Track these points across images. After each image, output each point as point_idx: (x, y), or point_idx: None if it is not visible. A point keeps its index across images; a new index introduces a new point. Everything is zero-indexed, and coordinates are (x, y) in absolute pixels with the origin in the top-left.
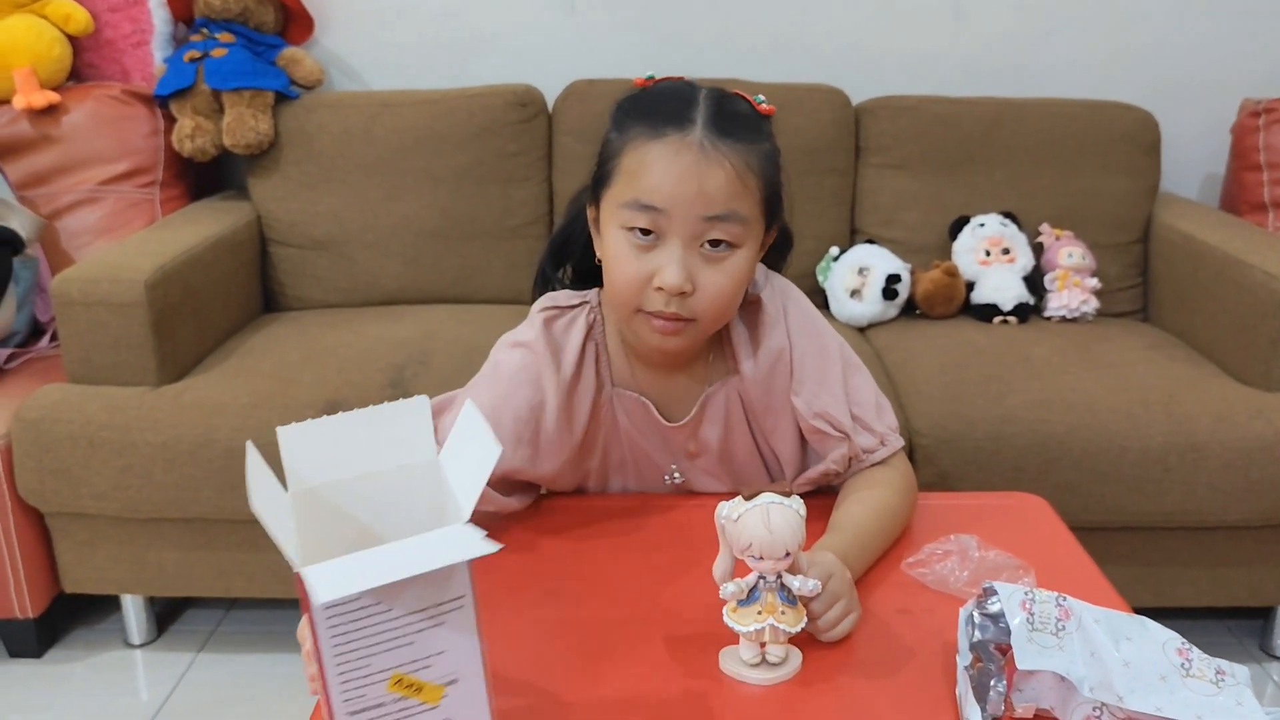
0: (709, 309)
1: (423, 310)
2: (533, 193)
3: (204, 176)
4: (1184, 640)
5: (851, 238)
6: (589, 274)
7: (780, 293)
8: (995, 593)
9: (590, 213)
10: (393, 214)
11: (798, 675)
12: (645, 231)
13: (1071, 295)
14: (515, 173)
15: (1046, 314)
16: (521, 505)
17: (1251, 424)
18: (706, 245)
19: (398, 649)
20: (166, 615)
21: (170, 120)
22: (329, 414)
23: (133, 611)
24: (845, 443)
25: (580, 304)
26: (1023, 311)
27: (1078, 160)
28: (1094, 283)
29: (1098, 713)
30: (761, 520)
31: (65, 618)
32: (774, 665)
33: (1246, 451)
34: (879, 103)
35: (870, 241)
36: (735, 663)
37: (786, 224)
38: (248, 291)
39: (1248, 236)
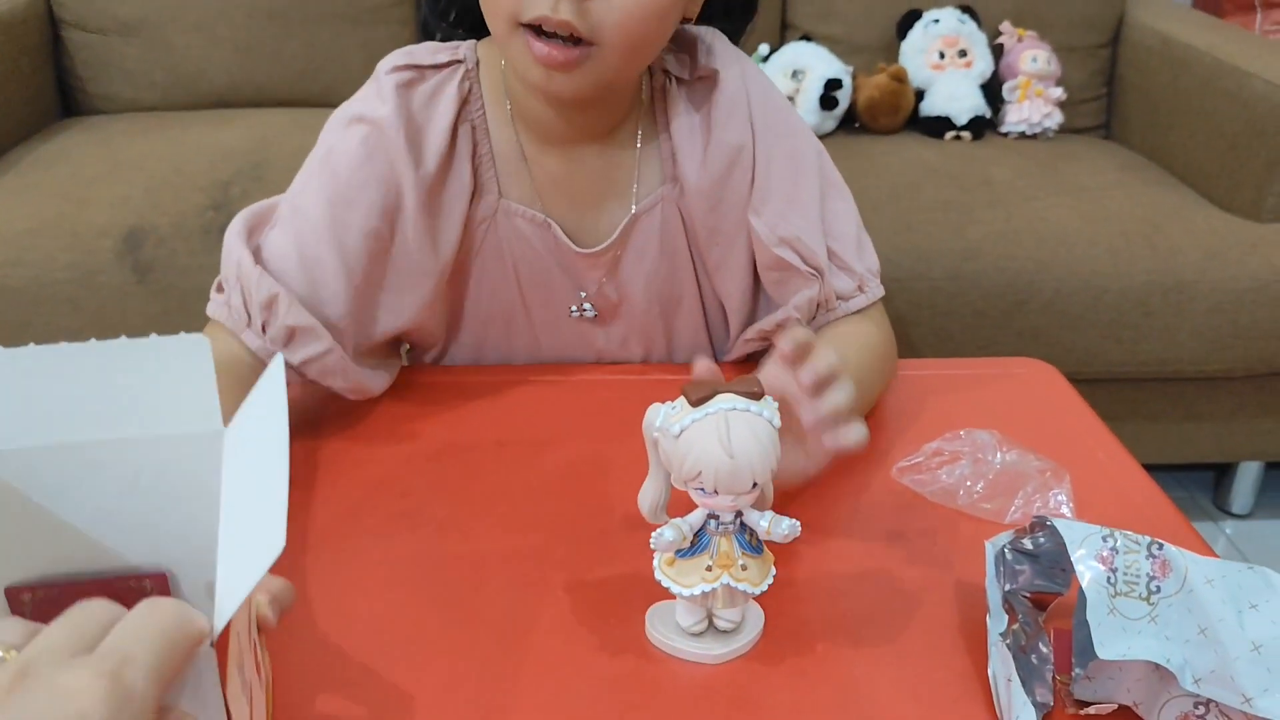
0: (616, 26)
1: (258, 114)
2: None
3: None
4: None
5: (783, 34)
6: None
7: (742, 72)
8: (1047, 526)
9: None
10: None
11: (757, 646)
12: None
13: (1033, 108)
14: None
15: (1003, 129)
16: (385, 385)
17: (1245, 261)
18: None
19: None
20: None
21: None
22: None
23: None
24: (816, 283)
25: (450, 63)
26: (977, 126)
27: None
28: (1058, 93)
29: (1200, 711)
30: (718, 437)
31: None
32: (724, 633)
33: (1237, 293)
34: None
35: (805, 39)
36: (669, 629)
37: None
38: (35, 89)
39: (1239, 40)
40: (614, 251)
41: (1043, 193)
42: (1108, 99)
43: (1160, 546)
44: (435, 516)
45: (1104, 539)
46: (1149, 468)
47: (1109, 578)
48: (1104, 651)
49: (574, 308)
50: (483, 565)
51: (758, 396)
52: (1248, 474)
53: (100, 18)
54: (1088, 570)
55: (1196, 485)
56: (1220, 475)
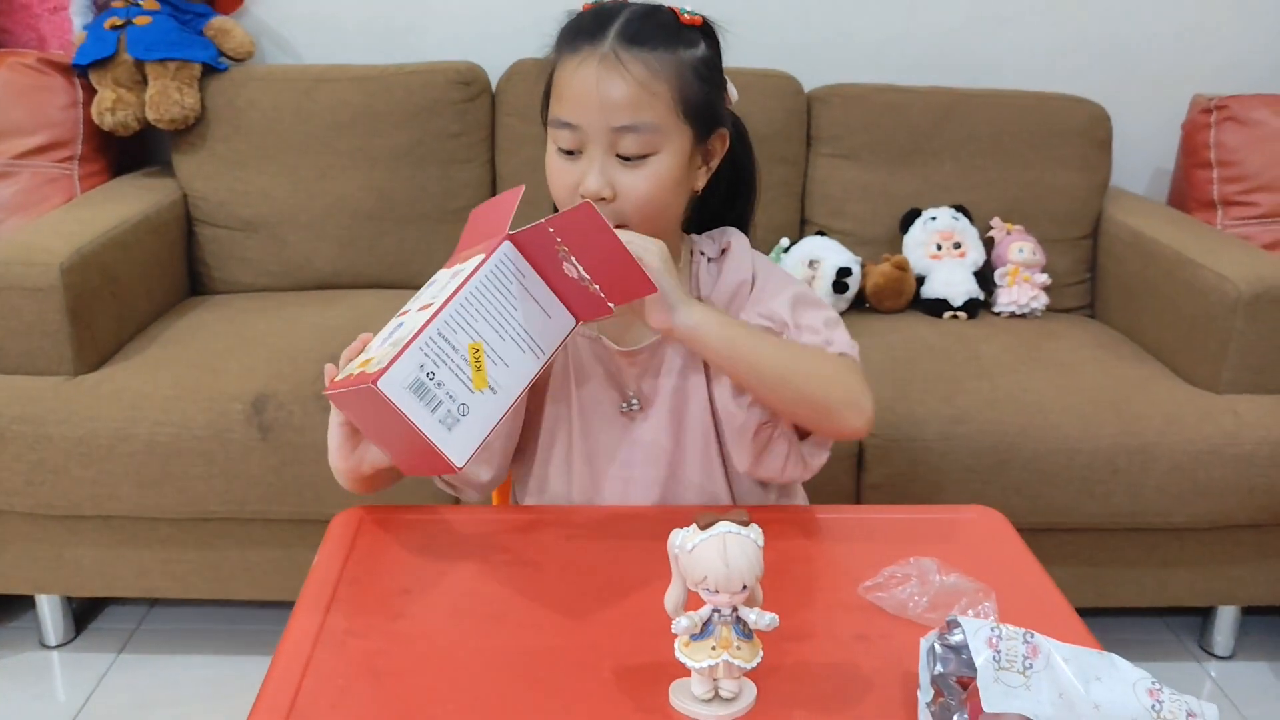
0: (634, 212)
1: (357, 295)
2: (475, 175)
3: (126, 152)
4: (1154, 680)
5: (801, 229)
6: None
7: (748, 247)
8: (959, 625)
9: None
10: (327, 194)
11: (752, 710)
12: (568, 152)
13: (1021, 291)
14: (456, 154)
15: (996, 309)
16: (487, 482)
17: (1200, 427)
18: (619, 156)
19: (502, 333)
20: (84, 614)
21: (90, 91)
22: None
23: (48, 611)
24: (784, 332)
25: None
26: (972, 307)
27: (1029, 153)
28: (1043, 278)
29: None
30: (718, 552)
31: None
32: (727, 700)
33: (1194, 455)
34: (832, 90)
35: (820, 233)
36: (687, 698)
37: (749, 169)
38: (172, 274)
39: (1198, 235)
40: (645, 356)
41: (1025, 366)
42: (1091, 283)
43: (1032, 636)
44: (515, 618)
45: (992, 629)
46: (1133, 610)
47: (994, 657)
48: (988, 706)
49: (624, 404)
50: (550, 652)
51: (746, 523)
52: (1226, 617)
53: (227, 217)
54: (980, 652)
55: (1182, 628)
56: (1205, 619)
